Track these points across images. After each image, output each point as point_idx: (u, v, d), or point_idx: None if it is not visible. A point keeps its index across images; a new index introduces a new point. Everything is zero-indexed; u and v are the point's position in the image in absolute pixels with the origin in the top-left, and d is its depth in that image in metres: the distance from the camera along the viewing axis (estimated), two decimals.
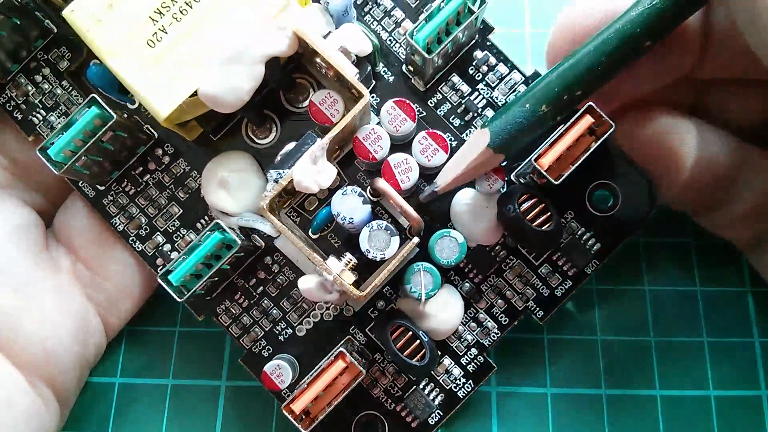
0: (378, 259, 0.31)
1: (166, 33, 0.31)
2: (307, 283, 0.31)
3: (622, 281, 0.37)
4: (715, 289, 0.37)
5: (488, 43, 0.35)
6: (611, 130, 0.30)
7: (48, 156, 0.31)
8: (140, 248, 0.35)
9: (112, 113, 0.31)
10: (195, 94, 0.31)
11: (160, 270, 0.32)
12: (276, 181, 0.31)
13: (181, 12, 0.31)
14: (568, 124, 0.31)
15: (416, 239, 0.31)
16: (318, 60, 0.31)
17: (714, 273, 0.37)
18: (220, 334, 0.37)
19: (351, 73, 0.31)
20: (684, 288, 0.37)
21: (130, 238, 0.35)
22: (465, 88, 0.35)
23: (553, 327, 0.36)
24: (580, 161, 0.30)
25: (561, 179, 0.30)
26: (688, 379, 0.36)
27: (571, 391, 0.36)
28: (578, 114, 0.31)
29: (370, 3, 0.35)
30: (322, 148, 0.31)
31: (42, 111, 0.35)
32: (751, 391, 0.36)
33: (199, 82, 0.30)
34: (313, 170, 0.31)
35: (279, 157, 0.31)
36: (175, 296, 0.31)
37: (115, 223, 0.35)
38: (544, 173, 0.30)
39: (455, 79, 0.35)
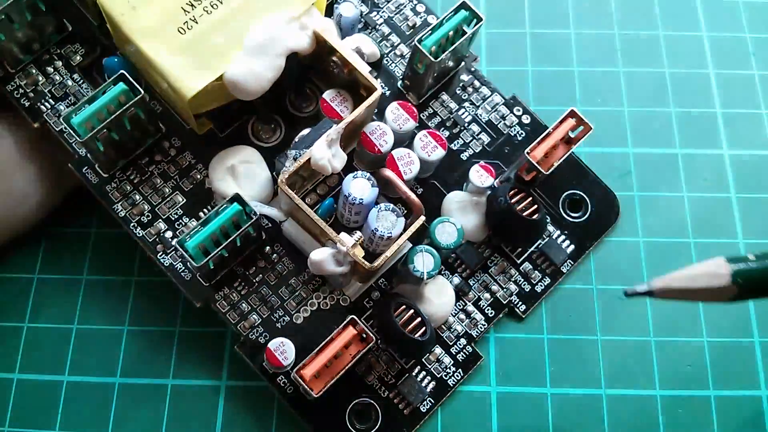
0: (386, 237, 0.33)
1: (196, 23, 0.33)
2: (320, 255, 0.32)
3: (622, 281, 0.38)
4: None
5: (472, 69, 0.39)
6: (590, 132, 0.35)
7: (71, 125, 0.32)
8: (141, 234, 0.35)
9: (140, 89, 0.33)
10: (220, 78, 0.33)
11: (174, 239, 0.32)
12: (295, 159, 0.33)
13: (212, 6, 0.34)
14: (554, 124, 0.35)
15: (423, 217, 0.33)
16: (334, 58, 0.35)
17: None
18: (221, 333, 0.37)
19: (365, 70, 0.34)
20: None
21: (131, 224, 0.35)
22: (453, 105, 0.39)
23: (553, 327, 0.37)
24: (566, 155, 0.35)
25: (550, 170, 0.34)
26: (687, 379, 0.36)
27: (570, 391, 0.36)
28: (562, 116, 0.35)
29: (369, 28, 0.39)
30: (338, 132, 0.33)
31: (51, 100, 0.36)
32: (751, 391, 0.36)
33: (225, 67, 0.33)
34: (328, 152, 0.33)
35: (297, 139, 0.34)
36: (191, 261, 0.31)
37: (117, 210, 0.35)
38: (535, 164, 0.34)
39: (444, 96, 0.39)
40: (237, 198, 0.32)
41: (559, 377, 0.37)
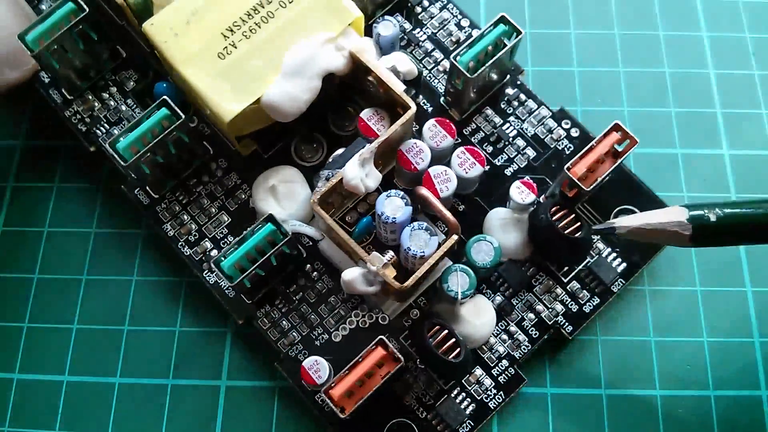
0: (419, 257, 0.33)
1: (236, 48, 0.34)
2: (350, 275, 0.32)
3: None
4: (715, 289, 0.38)
5: (518, 82, 0.39)
6: (635, 146, 0.33)
7: (116, 150, 0.34)
8: (188, 252, 0.36)
9: (181, 114, 0.34)
10: (258, 101, 0.34)
11: (211, 259, 0.33)
12: (327, 179, 0.33)
13: (251, 31, 0.34)
14: (597, 138, 0.34)
15: (455, 236, 0.32)
16: (370, 78, 0.35)
17: (714, 273, 0.38)
18: (221, 333, 0.38)
19: (399, 89, 0.34)
20: (684, 288, 0.38)
21: (179, 243, 0.37)
22: (497, 119, 0.38)
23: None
24: (610, 171, 0.33)
25: (592, 186, 0.33)
26: (688, 379, 0.36)
27: (571, 391, 0.36)
28: (606, 130, 0.34)
29: (412, 45, 0.39)
30: (371, 152, 0.33)
31: (106, 125, 0.38)
32: (751, 391, 0.36)
33: (263, 91, 0.34)
34: (361, 172, 0.33)
35: (330, 159, 0.34)
36: (226, 281, 0.32)
37: (166, 229, 0.37)
38: (576, 181, 0.33)
39: (488, 111, 0.38)
40: (270, 218, 0.33)
41: (560, 377, 0.36)
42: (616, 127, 0.34)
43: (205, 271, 0.36)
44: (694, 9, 0.44)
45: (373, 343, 0.32)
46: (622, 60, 0.42)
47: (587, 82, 0.42)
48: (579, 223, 0.34)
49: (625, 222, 0.31)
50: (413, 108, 0.34)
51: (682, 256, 0.38)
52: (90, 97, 0.38)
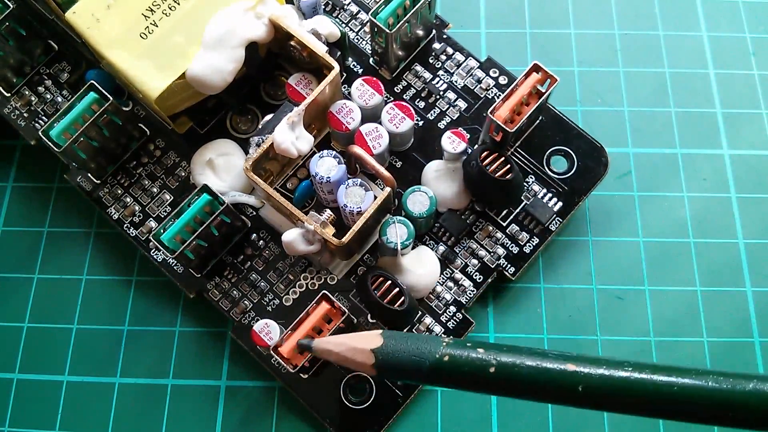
0: (356, 212, 0.33)
1: (156, 26, 0.35)
2: (290, 236, 0.33)
3: (623, 282, 0.38)
4: (715, 289, 0.38)
5: (444, 36, 0.39)
6: (556, 84, 0.34)
7: (49, 137, 0.34)
8: (134, 234, 0.37)
9: (109, 96, 0.34)
10: (183, 77, 0.34)
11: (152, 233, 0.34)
12: (258, 145, 0.34)
13: (170, 8, 0.35)
14: (517, 80, 0.34)
15: (388, 189, 0.33)
16: (292, 43, 0.35)
17: (714, 273, 0.38)
18: (221, 333, 0.38)
19: (321, 50, 0.35)
20: (683, 288, 0.38)
21: (125, 225, 0.37)
22: (427, 75, 0.39)
23: (553, 327, 0.37)
24: (531, 111, 0.34)
25: (516, 127, 0.34)
26: None
27: None
28: (526, 71, 0.34)
29: (337, 9, 0.40)
30: (299, 114, 0.34)
31: (44, 118, 0.39)
32: None
33: (187, 66, 0.34)
34: (291, 135, 0.34)
35: (260, 126, 0.35)
36: (167, 253, 0.33)
37: (111, 213, 0.37)
38: (500, 124, 0.34)
39: (418, 68, 0.39)
40: (206, 189, 0.34)
41: None
42: (536, 68, 0.34)
43: (152, 250, 0.37)
44: (694, 9, 0.43)
45: (317, 298, 0.32)
46: (622, 60, 0.42)
47: (587, 82, 0.42)
48: (509, 165, 0.35)
49: (318, 350, 0.31)
50: (336, 68, 0.34)
51: (683, 256, 0.38)
52: (27, 93, 0.39)
